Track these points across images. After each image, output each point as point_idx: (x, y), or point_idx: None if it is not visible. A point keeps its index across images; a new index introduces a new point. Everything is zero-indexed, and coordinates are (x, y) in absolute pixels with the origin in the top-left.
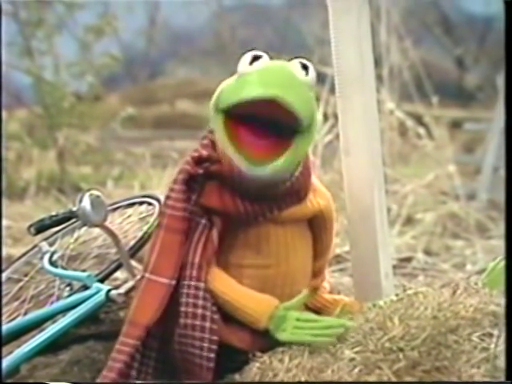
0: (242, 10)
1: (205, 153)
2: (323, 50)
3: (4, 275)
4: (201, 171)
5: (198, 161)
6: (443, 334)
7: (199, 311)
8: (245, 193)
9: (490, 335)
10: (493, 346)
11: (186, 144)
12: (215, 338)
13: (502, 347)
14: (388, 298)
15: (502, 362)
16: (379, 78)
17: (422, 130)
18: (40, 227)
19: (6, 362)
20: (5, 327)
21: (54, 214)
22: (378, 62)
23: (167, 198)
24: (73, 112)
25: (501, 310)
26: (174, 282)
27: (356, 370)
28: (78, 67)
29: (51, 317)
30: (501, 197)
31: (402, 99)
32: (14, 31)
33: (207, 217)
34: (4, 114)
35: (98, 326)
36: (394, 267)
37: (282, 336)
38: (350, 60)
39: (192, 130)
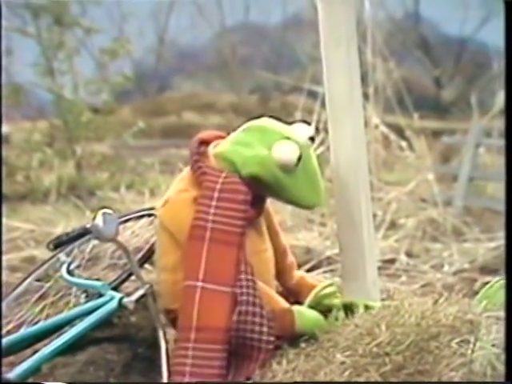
0: (241, 30)
1: (244, 187)
2: (315, 67)
3: (26, 283)
4: (246, 188)
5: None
6: (426, 341)
7: (257, 300)
8: (256, 201)
9: (468, 342)
10: (470, 351)
11: None
12: (272, 324)
13: (478, 353)
14: (375, 303)
15: (477, 366)
16: (365, 95)
17: (403, 143)
18: (58, 243)
19: (30, 362)
20: (28, 331)
21: (70, 231)
22: (364, 81)
23: (206, 212)
24: (89, 126)
25: (478, 319)
26: (229, 289)
27: (346, 373)
28: (94, 85)
29: (70, 322)
30: (475, 203)
31: (386, 112)
32: (38, 53)
33: None
34: (28, 125)
35: (111, 330)
36: (379, 268)
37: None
38: (340, 88)
39: None
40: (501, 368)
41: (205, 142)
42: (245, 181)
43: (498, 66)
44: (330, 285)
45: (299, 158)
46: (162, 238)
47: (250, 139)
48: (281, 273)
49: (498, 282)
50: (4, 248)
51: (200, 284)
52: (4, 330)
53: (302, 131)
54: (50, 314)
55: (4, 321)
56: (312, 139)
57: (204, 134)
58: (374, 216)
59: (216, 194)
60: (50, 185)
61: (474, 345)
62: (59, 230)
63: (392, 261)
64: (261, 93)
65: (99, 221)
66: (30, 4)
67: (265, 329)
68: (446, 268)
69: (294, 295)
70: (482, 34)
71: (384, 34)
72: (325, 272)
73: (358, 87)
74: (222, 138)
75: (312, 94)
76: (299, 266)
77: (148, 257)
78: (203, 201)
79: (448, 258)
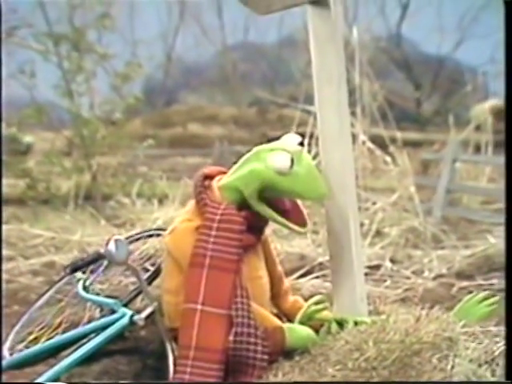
0: (241, 48)
1: (242, 213)
2: (308, 82)
3: (45, 297)
4: (241, 219)
5: (245, 218)
6: (409, 357)
7: (252, 322)
8: (253, 228)
9: (446, 357)
10: (449, 367)
11: (196, 160)
12: (266, 343)
13: (457, 368)
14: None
15: (456, 380)
16: (353, 113)
17: (388, 158)
18: (74, 267)
19: (51, 373)
20: (49, 342)
21: (85, 255)
22: (352, 100)
23: (206, 241)
24: (104, 142)
25: (456, 336)
26: (227, 312)
27: None
28: (108, 105)
29: (86, 335)
30: (452, 213)
31: (372, 124)
32: (58, 76)
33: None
34: (51, 135)
35: (123, 343)
36: (366, 274)
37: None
38: (331, 121)
39: (201, 148)
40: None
41: (209, 177)
42: (252, 202)
43: (472, 83)
44: (321, 301)
45: (292, 161)
46: (167, 263)
47: (246, 163)
48: (276, 297)
49: (473, 297)
50: (27, 254)
51: (200, 307)
52: (24, 343)
53: (290, 140)
54: (67, 328)
55: (25, 332)
56: (301, 144)
57: (208, 170)
58: (362, 225)
59: (215, 225)
60: (68, 195)
61: (453, 361)
62: (77, 237)
63: (378, 267)
64: (259, 106)
65: (112, 247)
66: (51, 33)
67: (259, 348)
68: (426, 273)
69: (288, 317)
70: (457, 54)
71: (370, 53)
72: (317, 277)
73: (347, 120)
74: (224, 173)
75: (307, 113)
76: (293, 272)
77: (155, 277)
78: (203, 230)
79: (428, 263)
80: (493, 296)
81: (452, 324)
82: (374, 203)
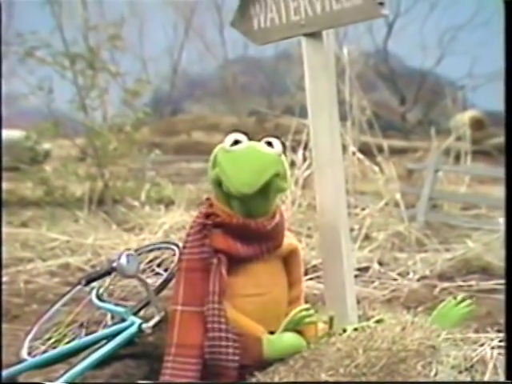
0: (241, 62)
1: (209, 210)
2: (302, 94)
3: (55, 308)
4: (210, 222)
5: (206, 215)
6: (396, 364)
7: (223, 326)
8: (243, 238)
9: (430, 364)
10: (432, 373)
11: (200, 165)
12: (236, 345)
13: (440, 375)
14: (353, 326)
15: None
16: (344, 126)
17: (376, 168)
18: (89, 280)
19: (67, 376)
20: (65, 347)
21: (99, 269)
22: (343, 114)
23: (184, 247)
24: (115, 153)
25: (439, 344)
26: (203, 308)
27: None
28: (119, 119)
29: (98, 341)
30: (434, 219)
31: (361, 134)
32: (74, 92)
33: (217, 256)
34: (67, 142)
35: (132, 348)
36: (356, 276)
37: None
38: (324, 145)
39: (204, 154)
40: None
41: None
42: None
43: (451, 95)
44: (307, 309)
45: (236, 142)
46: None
47: None
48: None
49: (450, 302)
50: (44, 256)
51: (180, 308)
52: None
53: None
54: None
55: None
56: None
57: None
58: (352, 230)
59: (191, 230)
60: (83, 201)
61: (436, 368)
62: (90, 240)
63: (366, 269)
64: (257, 115)
65: (123, 261)
66: (68, 52)
67: (230, 350)
68: (411, 275)
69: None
70: (438, 69)
71: (359, 67)
72: (311, 279)
73: (339, 144)
74: None
75: (302, 117)
76: None
77: (162, 288)
78: (184, 238)
79: (412, 266)
80: (469, 298)
81: (435, 332)
82: (363, 209)
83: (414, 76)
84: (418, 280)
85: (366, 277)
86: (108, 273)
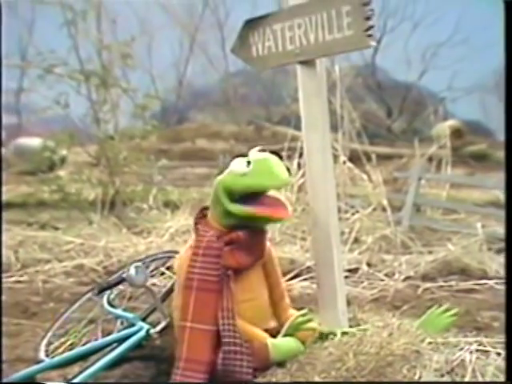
0: (241, 74)
1: (213, 232)
2: (297, 105)
3: (66, 314)
4: (222, 243)
5: (217, 237)
6: (383, 367)
7: (238, 341)
8: (245, 251)
9: (414, 368)
10: (416, 377)
11: (203, 170)
12: (250, 358)
13: (424, 378)
14: (343, 329)
15: None
16: (335, 136)
17: (364, 176)
18: (100, 289)
19: (82, 377)
20: (80, 349)
21: (110, 279)
22: (334, 125)
23: (193, 266)
24: (125, 162)
25: (422, 349)
26: (213, 328)
27: None
28: (130, 132)
29: (109, 345)
30: (417, 223)
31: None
32: (88, 106)
33: (226, 272)
34: (81, 149)
35: (141, 351)
36: (346, 277)
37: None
38: (317, 161)
39: (207, 160)
40: None
41: (206, 208)
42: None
43: (433, 106)
44: (304, 314)
45: (248, 162)
46: (176, 283)
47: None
48: (276, 312)
49: (436, 309)
50: (60, 257)
51: (189, 324)
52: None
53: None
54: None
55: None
56: (277, 154)
57: (206, 205)
58: (342, 234)
59: (201, 251)
60: (95, 207)
61: (420, 371)
62: (102, 243)
63: (356, 270)
64: (256, 124)
65: (132, 272)
66: (83, 70)
67: (244, 363)
68: (397, 276)
69: None
70: (421, 82)
71: (349, 80)
72: (305, 279)
73: (331, 162)
74: None
75: (297, 127)
76: (285, 275)
77: (167, 295)
78: (192, 257)
79: (398, 267)
80: (452, 308)
81: (419, 337)
82: (353, 214)
83: (399, 88)
84: (403, 280)
85: (356, 277)
86: (118, 283)
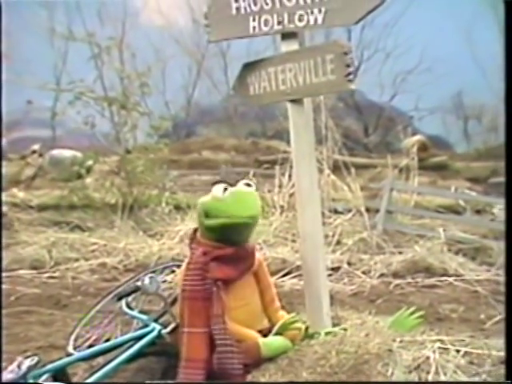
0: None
1: (202, 249)
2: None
3: (93, 310)
4: (208, 258)
5: (204, 253)
6: (361, 364)
7: (228, 342)
8: (233, 264)
9: (387, 365)
10: (389, 373)
11: (208, 178)
12: (241, 357)
13: (395, 375)
14: (327, 330)
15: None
16: (320, 152)
17: (345, 187)
18: (120, 297)
19: (104, 370)
20: (100, 346)
21: (126, 287)
22: (320, 142)
23: (185, 279)
24: (142, 175)
25: (394, 348)
26: (206, 329)
27: None
28: (145, 150)
29: (126, 343)
30: (390, 227)
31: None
32: (110, 127)
33: (216, 284)
34: (105, 159)
35: (154, 347)
36: (329, 275)
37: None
38: (305, 184)
39: (211, 169)
40: None
41: (197, 229)
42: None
43: (402, 123)
44: (293, 316)
45: (225, 189)
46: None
47: None
48: (268, 314)
49: (405, 311)
50: (87, 256)
51: (186, 329)
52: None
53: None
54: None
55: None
56: (248, 185)
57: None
58: (326, 236)
59: (191, 266)
60: (116, 211)
61: (392, 368)
62: (122, 244)
63: (338, 268)
64: (253, 138)
65: (147, 281)
66: (106, 97)
67: (235, 361)
68: (372, 273)
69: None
70: (392, 102)
71: (331, 101)
72: (295, 277)
73: (316, 183)
74: None
75: (288, 141)
76: (277, 272)
77: (175, 301)
78: (185, 272)
79: (373, 265)
80: (419, 310)
81: (391, 336)
82: (336, 219)
83: (374, 108)
84: (378, 277)
85: (338, 275)
86: (134, 291)
